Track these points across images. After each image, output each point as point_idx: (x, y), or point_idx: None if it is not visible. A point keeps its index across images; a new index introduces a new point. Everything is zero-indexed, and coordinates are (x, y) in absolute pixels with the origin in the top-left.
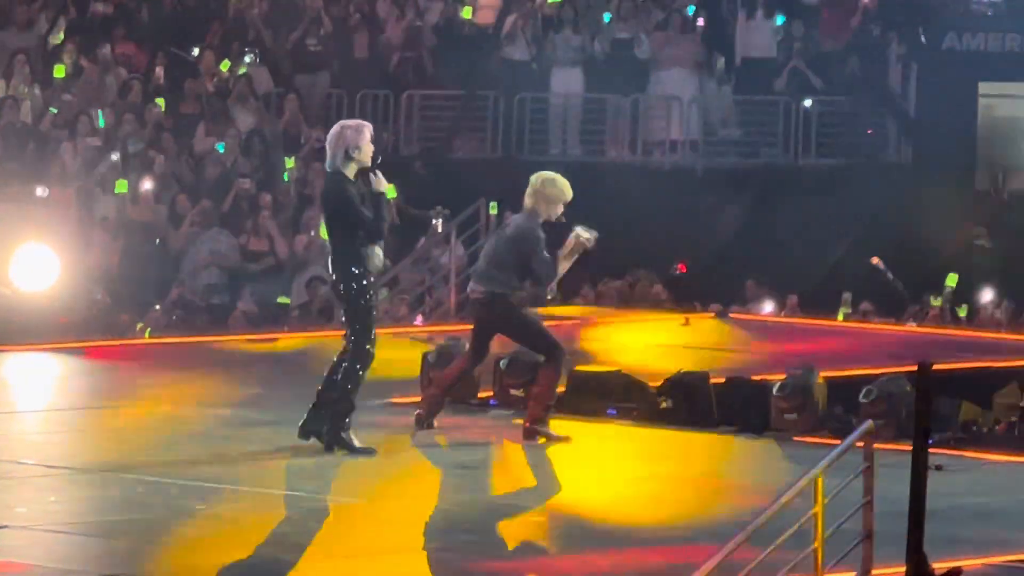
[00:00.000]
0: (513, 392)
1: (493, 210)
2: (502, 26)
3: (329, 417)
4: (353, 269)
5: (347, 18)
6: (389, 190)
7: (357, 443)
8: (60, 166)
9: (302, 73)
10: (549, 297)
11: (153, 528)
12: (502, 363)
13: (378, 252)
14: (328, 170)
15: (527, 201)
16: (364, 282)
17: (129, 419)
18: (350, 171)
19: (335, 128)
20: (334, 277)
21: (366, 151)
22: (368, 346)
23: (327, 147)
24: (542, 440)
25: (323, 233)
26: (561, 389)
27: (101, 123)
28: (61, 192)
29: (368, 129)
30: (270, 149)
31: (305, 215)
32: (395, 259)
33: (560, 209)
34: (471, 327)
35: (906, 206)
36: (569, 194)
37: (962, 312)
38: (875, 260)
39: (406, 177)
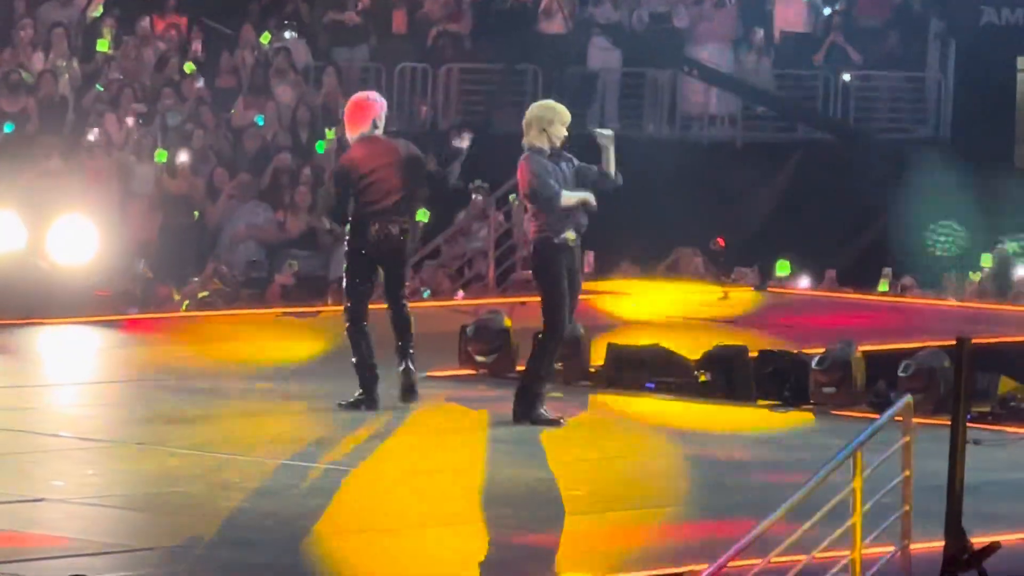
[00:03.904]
0: None
1: (422, 217)
2: (540, 0)
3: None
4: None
5: None
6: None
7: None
8: (100, 138)
9: (340, 46)
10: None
11: (190, 501)
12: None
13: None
14: (381, 135)
15: (523, 142)
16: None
17: (166, 392)
18: None
19: (367, 99)
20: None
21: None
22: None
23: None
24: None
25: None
26: (599, 363)
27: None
28: (100, 165)
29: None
30: (312, 122)
31: None
32: (434, 232)
33: (560, 130)
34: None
35: (944, 182)
36: (558, 111)
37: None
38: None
39: (444, 150)
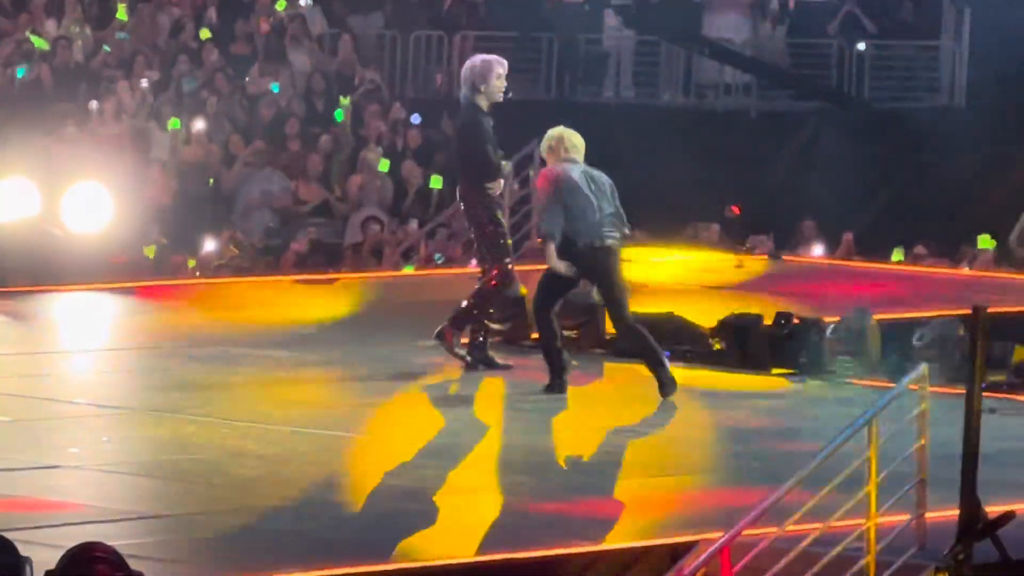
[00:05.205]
0: (567, 333)
1: (436, 184)
2: None
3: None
4: (484, 202)
5: None
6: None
7: (499, 361)
8: (115, 104)
9: (356, 14)
10: None
11: (205, 469)
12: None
13: (496, 184)
14: (462, 102)
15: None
16: (495, 210)
17: (181, 359)
18: (482, 104)
19: (469, 61)
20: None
21: (494, 86)
22: (508, 268)
23: (462, 79)
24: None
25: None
26: (613, 331)
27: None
28: (115, 131)
29: (497, 65)
30: (328, 89)
31: (361, 155)
32: (449, 200)
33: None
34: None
35: (959, 149)
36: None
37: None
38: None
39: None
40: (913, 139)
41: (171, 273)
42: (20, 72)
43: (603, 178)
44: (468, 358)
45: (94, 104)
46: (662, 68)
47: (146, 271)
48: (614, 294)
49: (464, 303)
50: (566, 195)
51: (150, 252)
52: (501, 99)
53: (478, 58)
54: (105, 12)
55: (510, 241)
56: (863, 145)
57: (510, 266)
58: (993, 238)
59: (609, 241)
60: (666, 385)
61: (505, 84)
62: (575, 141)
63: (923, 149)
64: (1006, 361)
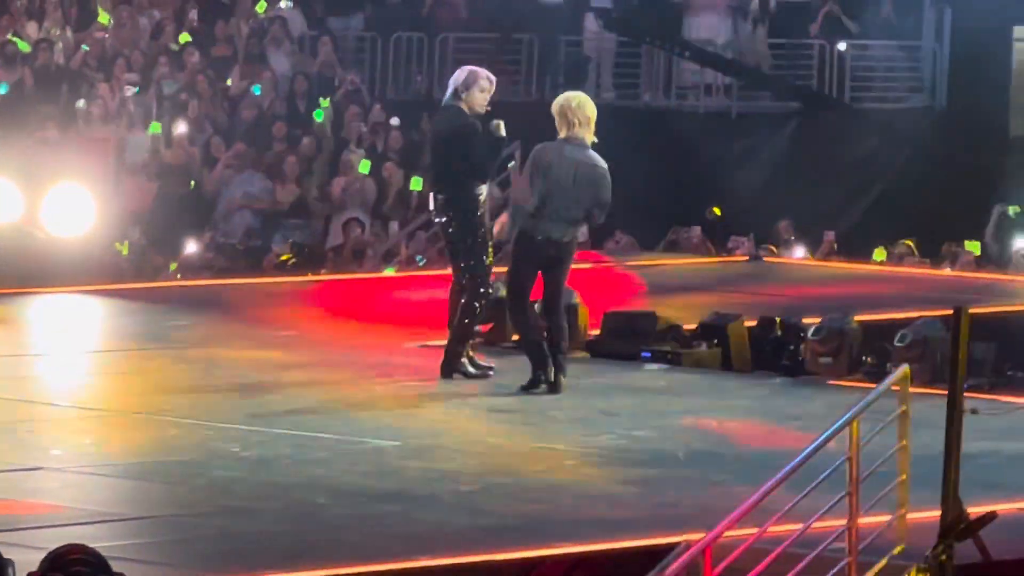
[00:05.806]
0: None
1: (416, 186)
2: None
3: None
4: (467, 207)
5: None
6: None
7: (472, 369)
8: (96, 107)
9: (336, 16)
10: None
11: (187, 471)
12: (536, 306)
13: (483, 189)
14: (443, 105)
15: (581, 132)
16: (477, 217)
17: (163, 361)
18: (465, 110)
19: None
20: (445, 214)
21: (475, 98)
22: (485, 279)
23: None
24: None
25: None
26: (595, 331)
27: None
28: (97, 134)
29: (484, 80)
30: (309, 91)
31: (342, 157)
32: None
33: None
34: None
35: (940, 149)
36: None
37: None
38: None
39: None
40: (894, 139)
41: (152, 275)
42: (3, 88)
43: (592, 175)
44: (491, 371)
45: (81, 102)
46: (643, 69)
47: (128, 274)
48: (560, 287)
49: (451, 334)
50: (535, 175)
51: (124, 249)
52: (481, 112)
53: (467, 68)
54: (85, 15)
55: (491, 260)
56: (844, 145)
57: (481, 303)
58: (976, 240)
59: (567, 238)
60: (554, 384)
61: (487, 99)
62: (588, 113)
63: (904, 149)
64: (987, 362)
